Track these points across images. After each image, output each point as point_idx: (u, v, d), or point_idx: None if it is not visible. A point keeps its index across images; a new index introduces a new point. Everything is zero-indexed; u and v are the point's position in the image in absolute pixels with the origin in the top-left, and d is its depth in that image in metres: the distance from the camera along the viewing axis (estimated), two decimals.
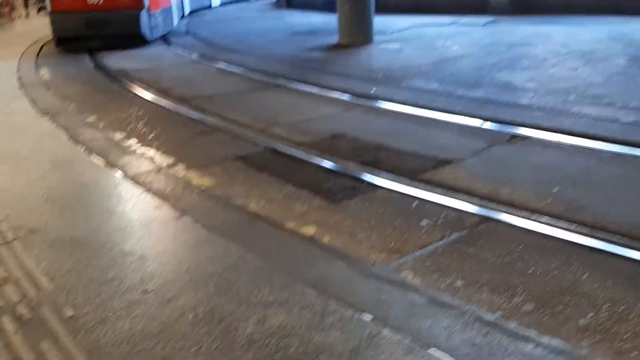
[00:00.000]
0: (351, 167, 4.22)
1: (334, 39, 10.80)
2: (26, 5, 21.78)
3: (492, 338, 2.16)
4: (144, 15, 11.09)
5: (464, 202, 3.51)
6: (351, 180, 3.99)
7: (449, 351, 2.07)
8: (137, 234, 3.13)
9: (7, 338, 2.23)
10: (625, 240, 2.95)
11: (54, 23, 10.74)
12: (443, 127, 5.31)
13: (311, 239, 3.10)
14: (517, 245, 2.96)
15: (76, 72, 9.07)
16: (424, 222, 3.26)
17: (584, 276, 2.65)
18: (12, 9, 19.71)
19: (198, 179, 4.09)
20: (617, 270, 2.70)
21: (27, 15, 21.16)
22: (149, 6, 11.23)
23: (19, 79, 8.12)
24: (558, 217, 3.26)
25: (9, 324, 2.31)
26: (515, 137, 4.85)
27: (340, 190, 3.82)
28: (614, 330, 2.25)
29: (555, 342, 2.17)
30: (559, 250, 2.92)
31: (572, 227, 3.13)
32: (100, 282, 2.61)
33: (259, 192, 3.82)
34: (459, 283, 2.62)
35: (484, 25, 12.21)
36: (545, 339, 2.18)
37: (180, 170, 4.31)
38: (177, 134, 5.38)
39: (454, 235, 3.09)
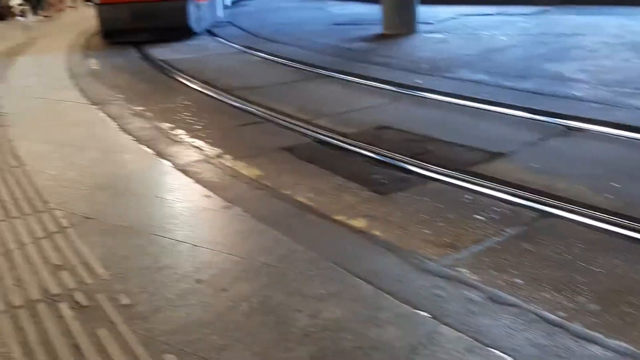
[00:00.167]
0: (400, 159, 4.14)
1: (377, 29, 10.67)
2: None
3: (556, 339, 2.07)
4: (191, 6, 10.90)
5: (519, 197, 3.39)
6: (400, 172, 3.92)
7: (511, 351, 1.99)
8: (188, 222, 3.14)
9: (66, 324, 2.26)
10: None
11: (100, 15, 10.62)
12: (493, 118, 5.17)
13: (361, 232, 3.05)
14: (578, 242, 2.84)
15: (123, 62, 9.22)
16: (479, 216, 3.17)
17: None
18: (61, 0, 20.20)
19: (246, 169, 4.09)
20: None
21: (75, 6, 21.66)
22: None
23: (69, 69, 8.30)
24: (618, 213, 3.12)
25: (67, 311, 2.34)
26: (569, 129, 4.68)
27: (389, 182, 3.75)
28: None
29: (623, 345, 2.07)
30: (622, 248, 2.79)
31: (634, 224, 2.98)
32: (153, 270, 2.62)
33: (307, 183, 3.79)
34: (518, 280, 2.53)
35: (531, 15, 11.87)
36: (612, 342, 2.08)
37: (227, 160, 4.32)
38: (223, 124, 5.40)
39: (511, 231, 2.99)
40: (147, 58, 9.48)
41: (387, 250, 2.78)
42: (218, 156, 4.40)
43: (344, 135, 4.78)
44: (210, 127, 5.28)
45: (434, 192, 3.57)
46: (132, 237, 2.96)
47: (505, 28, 10.35)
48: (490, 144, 4.37)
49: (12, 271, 2.66)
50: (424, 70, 7.28)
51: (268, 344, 2.09)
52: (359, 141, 4.57)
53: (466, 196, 3.48)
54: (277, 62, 8.44)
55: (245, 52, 9.58)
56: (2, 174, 3.94)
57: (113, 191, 3.64)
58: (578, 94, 5.59)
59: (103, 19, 10.64)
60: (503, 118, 5.15)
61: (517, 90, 5.96)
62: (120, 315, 2.29)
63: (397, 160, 4.13)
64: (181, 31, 10.92)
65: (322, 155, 4.38)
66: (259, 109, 5.80)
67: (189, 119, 5.57)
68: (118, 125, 5.15)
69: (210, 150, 4.56)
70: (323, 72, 7.50)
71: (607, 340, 2.09)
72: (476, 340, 2.04)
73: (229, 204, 3.36)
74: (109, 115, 5.49)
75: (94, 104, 6.02)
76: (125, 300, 2.40)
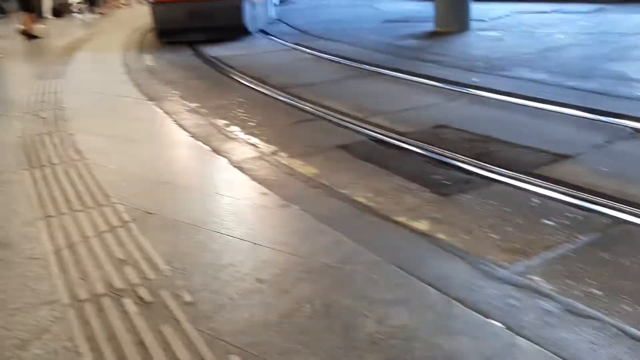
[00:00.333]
0: (461, 160, 4.01)
1: (428, 27, 10.49)
2: None
3: None
4: (246, 6, 10.75)
5: (590, 202, 3.22)
6: (462, 173, 3.79)
7: None
8: (247, 220, 3.11)
9: (130, 320, 2.25)
10: None
11: (155, 14, 10.46)
12: (556, 119, 4.97)
13: (425, 235, 2.95)
14: None
15: (177, 59, 9.33)
16: (548, 222, 3.02)
17: None
18: None
19: (302, 167, 4.04)
20: None
21: (129, 4, 22.21)
22: None
23: (125, 64, 8.46)
24: None
25: (131, 306, 2.34)
26: (636, 132, 4.45)
27: (451, 183, 3.63)
28: None
29: None
30: None
31: None
32: (215, 268, 2.60)
33: (365, 183, 3.71)
34: (596, 291, 2.39)
35: (588, 12, 11.44)
36: None
37: (283, 157, 4.28)
38: (277, 121, 5.38)
39: (585, 237, 2.84)
40: (199, 55, 9.57)
41: (453, 254, 2.67)
42: (273, 153, 4.37)
43: (401, 133, 4.67)
44: (264, 124, 5.26)
45: (498, 195, 3.43)
46: (192, 233, 2.95)
47: (563, 26, 10.00)
48: (554, 145, 4.19)
49: (77, 264, 2.68)
50: (480, 68, 7.09)
51: (335, 350, 2.02)
52: (416, 140, 4.46)
53: (533, 200, 3.34)
54: (328, 59, 8.38)
55: (296, 49, 9.56)
56: (64, 167, 4.02)
57: (173, 187, 3.65)
58: None
59: (158, 18, 10.49)
60: (566, 119, 4.94)
61: (580, 90, 5.73)
62: (184, 313, 2.27)
63: (458, 160, 4.00)
64: (236, 31, 10.75)
65: (378, 154, 4.29)
66: (312, 106, 5.75)
67: (243, 116, 5.57)
68: (174, 121, 5.19)
69: (265, 147, 4.54)
70: (375, 69, 7.40)
71: None
72: (557, 355, 1.92)
73: (287, 202, 3.31)
74: (165, 111, 5.55)
75: (150, 99, 6.10)
76: (188, 298, 2.38)
